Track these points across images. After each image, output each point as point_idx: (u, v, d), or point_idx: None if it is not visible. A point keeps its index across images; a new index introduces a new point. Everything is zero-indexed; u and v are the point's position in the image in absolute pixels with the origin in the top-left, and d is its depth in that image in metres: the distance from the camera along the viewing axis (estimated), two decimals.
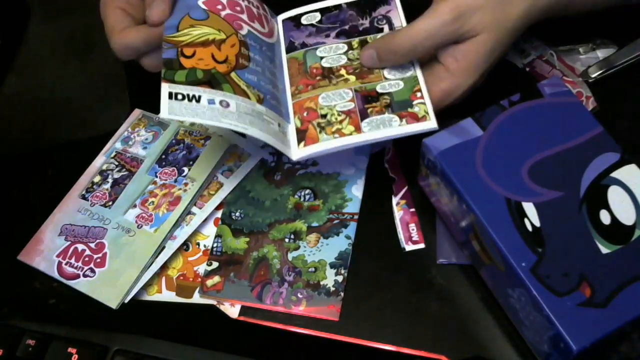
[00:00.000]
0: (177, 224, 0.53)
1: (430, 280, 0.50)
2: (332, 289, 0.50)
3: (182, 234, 0.53)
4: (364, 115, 0.49)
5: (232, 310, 0.51)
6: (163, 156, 0.57)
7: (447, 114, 0.56)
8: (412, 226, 0.53)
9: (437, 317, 0.49)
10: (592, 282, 0.41)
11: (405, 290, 0.50)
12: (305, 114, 0.51)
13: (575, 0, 0.51)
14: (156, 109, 0.60)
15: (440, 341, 0.48)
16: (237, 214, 0.54)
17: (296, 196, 0.55)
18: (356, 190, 0.55)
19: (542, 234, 0.43)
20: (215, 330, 0.50)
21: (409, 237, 0.52)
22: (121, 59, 0.52)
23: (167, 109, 0.45)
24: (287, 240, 0.53)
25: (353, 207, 0.54)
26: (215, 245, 0.53)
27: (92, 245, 0.53)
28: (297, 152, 0.49)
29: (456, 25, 0.47)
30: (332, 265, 0.51)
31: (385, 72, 0.51)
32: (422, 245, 0.52)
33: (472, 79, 0.49)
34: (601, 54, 0.58)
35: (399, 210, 0.54)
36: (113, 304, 0.50)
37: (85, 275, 0.52)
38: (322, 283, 0.51)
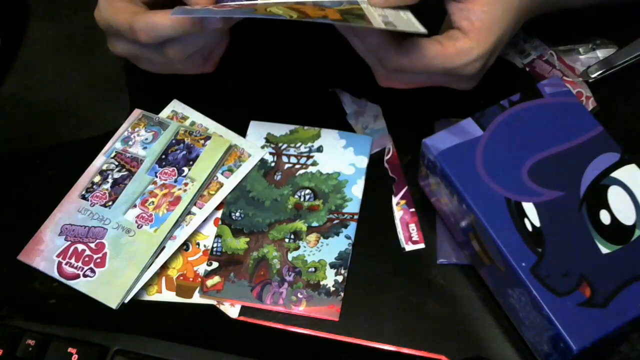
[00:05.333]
0: (177, 224, 0.53)
1: (430, 280, 0.50)
2: (332, 289, 0.50)
3: (182, 234, 0.53)
4: None
5: (232, 310, 0.51)
6: (163, 156, 0.57)
7: (447, 114, 0.56)
8: (412, 226, 0.53)
9: (437, 317, 0.49)
10: (592, 282, 0.41)
11: (405, 290, 0.50)
12: None
13: None
14: (156, 109, 0.61)
15: (440, 341, 0.48)
16: (237, 214, 0.54)
17: (296, 196, 0.55)
18: (356, 190, 0.55)
19: (542, 234, 0.43)
20: (215, 330, 0.50)
21: (409, 237, 0.52)
22: (139, 42, 0.50)
23: None
24: (287, 240, 0.53)
25: (353, 207, 0.54)
26: (215, 245, 0.53)
27: (92, 245, 0.53)
28: None
29: None
30: (332, 265, 0.51)
31: None
32: (422, 245, 0.52)
33: (485, 45, 0.47)
34: (601, 54, 0.58)
35: (399, 210, 0.54)
36: (113, 304, 0.50)
37: (85, 275, 0.52)
38: (322, 283, 0.51)
